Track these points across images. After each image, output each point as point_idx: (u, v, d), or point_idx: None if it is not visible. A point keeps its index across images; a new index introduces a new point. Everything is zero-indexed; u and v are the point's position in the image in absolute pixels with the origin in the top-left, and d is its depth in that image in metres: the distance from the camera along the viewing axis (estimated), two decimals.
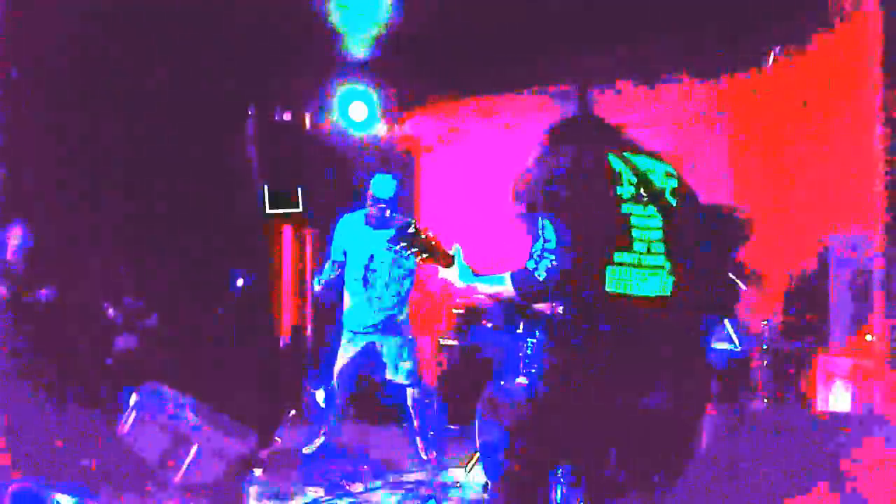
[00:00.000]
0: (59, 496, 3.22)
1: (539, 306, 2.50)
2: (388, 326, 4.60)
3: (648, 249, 2.27)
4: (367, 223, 4.53)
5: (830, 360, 3.74)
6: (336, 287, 4.65)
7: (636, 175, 2.33)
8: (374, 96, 6.03)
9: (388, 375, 4.67)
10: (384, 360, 4.64)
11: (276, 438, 5.04)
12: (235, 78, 5.43)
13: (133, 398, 3.96)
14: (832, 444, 3.27)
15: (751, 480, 3.22)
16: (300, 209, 6.01)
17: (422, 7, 4.66)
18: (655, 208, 2.31)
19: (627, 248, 2.25)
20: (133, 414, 3.90)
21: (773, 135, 4.65)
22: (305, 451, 4.75)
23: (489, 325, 5.39)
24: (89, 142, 4.64)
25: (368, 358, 4.68)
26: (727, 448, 3.08)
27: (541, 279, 2.24)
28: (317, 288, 4.63)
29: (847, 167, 3.81)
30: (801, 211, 4.35)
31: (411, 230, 2.56)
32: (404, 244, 2.55)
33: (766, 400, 3.82)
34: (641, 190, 2.31)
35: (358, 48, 5.23)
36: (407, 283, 4.66)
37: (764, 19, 4.42)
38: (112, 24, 4.44)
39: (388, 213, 4.44)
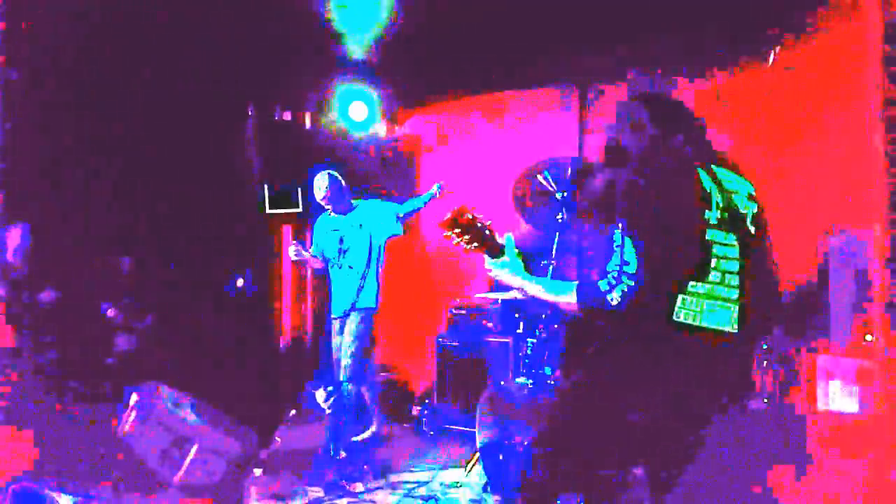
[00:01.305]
0: (59, 496, 3.22)
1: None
2: (348, 312, 4.61)
3: (722, 280, 2.10)
4: (330, 215, 4.74)
5: (830, 360, 3.74)
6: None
7: (723, 197, 2.15)
8: (374, 96, 6.03)
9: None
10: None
11: (276, 438, 5.04)
12: (235, 78, 5.43)
13: (133, 398, 3.97)
14: (831, 443, 3.27)
15: (751, 480, 3.22)
16: (300, 209, 6.01)
17: (422, 7, 4.66)
18: (735, 236, 2.14)
19: (703, 277, 2.08)
20: (133, 414, 3.90)
21: (773, 134, 4.65)
22: (356, 439, 4.75)
23: (488, 324, 5.39)
24: (89, 142, 4.64)
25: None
26: (727, 448, 3.08)
27: (613, 304, 2.03)
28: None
29: (847, 167, 3.81)
30: (800, 211, 4.35)
31: (466, 215, 2.29)
32: (455, 230, 2.29)
33: (766, 400, 3.82)
34: (725, 215, 2.13)
35: (358, 48, 5.23)
36: (370, 271, 4.67)
37: (764, 18, 4.42)
38: (112, 23, 4.44)
39: (331, 210, 4.66)
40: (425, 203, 4.86)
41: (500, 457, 3.91)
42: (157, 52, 4.79)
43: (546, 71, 5.49)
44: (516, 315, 5.20)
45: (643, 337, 2.10)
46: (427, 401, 5.50)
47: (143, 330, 4.81)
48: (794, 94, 4.52)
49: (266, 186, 5.90)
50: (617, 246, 2.06)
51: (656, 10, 4.26)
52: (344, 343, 4.55)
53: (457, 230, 2.29)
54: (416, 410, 5.52)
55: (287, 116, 6.21)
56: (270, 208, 5.94)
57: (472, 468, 4.27)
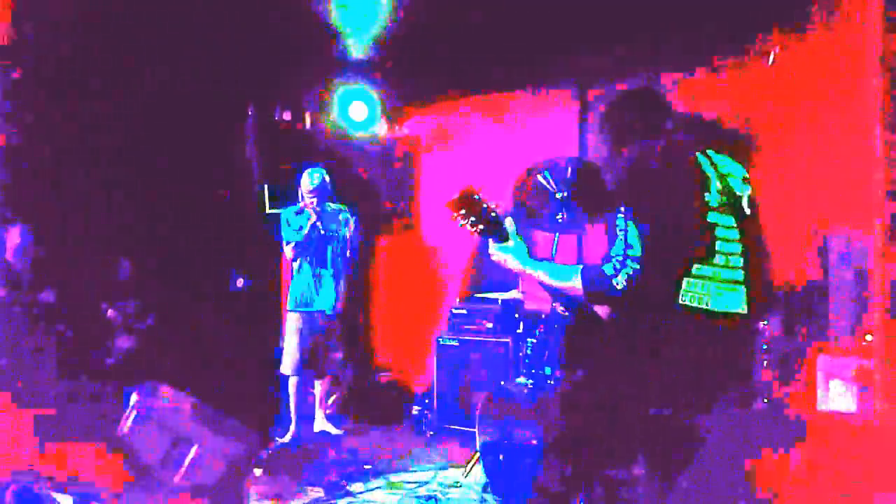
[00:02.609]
0: (59, 496, 3.22)
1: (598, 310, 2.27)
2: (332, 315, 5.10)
3: (727, 263, 2.12)
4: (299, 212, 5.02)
5: (830, 360, 3.74)
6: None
7: (721, 181, 2.17)
8: (374, 96, 6.04)
9: None
10: None
11: (276, 438, 5.04)
12: (235, 78, 5.43)
13: (133, 398, 3.96)
14: (832, 443, 3.27)
15: (750, 480, 3.22)
16: None
17: (422, 7, 4.66)
18: (734, 219, 2.16)
19: (707, 260, 2.09)
20: (133, 414, 3.90)
21: (773, 133, 4.65)
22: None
23: (488, 324, 5.39)
24: (89, 142, 4.63)
25: None
26: (727, 447, 3.07)
27: (619, 287, 2.03)
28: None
29: (847, 166, 3.81)
30: (800, 210, 4.35)
31: (473, 195, 2.29)
32: (462, 210, 2.29)
33: (766, 400, 3.82)
34: (724, 198, 2.16)
35: (358, 48, 5.23)
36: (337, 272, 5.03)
37: (763, 18, 4.42)
38: (112, 23, 4.44)
39: (316, 202, 4.89)
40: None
41: (500, 457, 3.91)
42: (157, 52, 4.79)
43: (546, 71, 5.48)
44: (516, 315, 5.20)
45: (650, 322, 2.09)
46: (427, 401, 5.49)
47: (143, 330, 4.81)
48: (794, 94, 4.52)
49: (266, 186, 5.90)
50: (620, 230, 2.06)
51: (656, 10, 4.27)
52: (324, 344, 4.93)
53: (462, 211, 2.29)
54: (416, 410, 5.52)
55: (287, 116, 6.21)
56: (270, 208, 5.94)
57: (472, 468, 4.27)
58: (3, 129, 4.14)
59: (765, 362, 3.97)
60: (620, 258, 2.04)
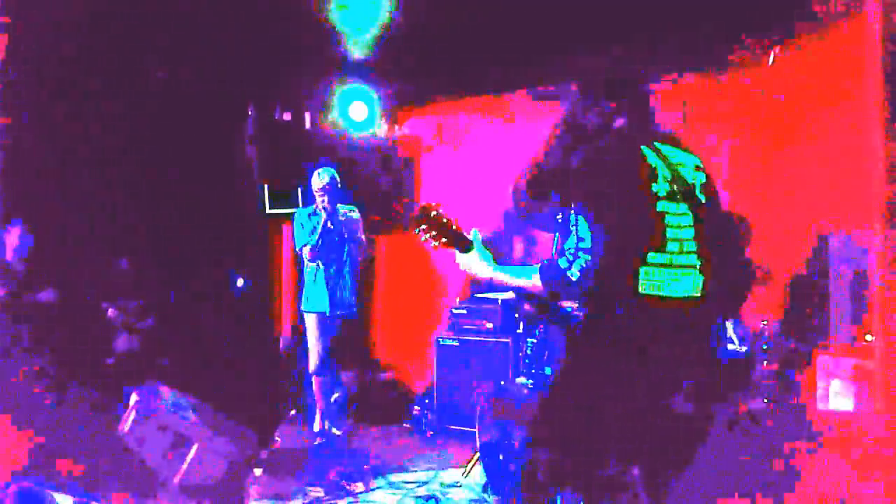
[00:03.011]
0: (58, 496, 3.22)
1: (564, 304, 2.39)
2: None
3: (681, 249, 2.20)
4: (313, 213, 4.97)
5: (830, 360, 3.74)
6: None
7: (670, 170, 2.25)
8: (374, 96, 6.03)
9: None
10: None
11: (276, 438, 5.04)
12: (235, 78, 5.43)
13: (133, 398, 3.97)
14: (831, 443, 3.27)
15: (751, 479, 3.22)
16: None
17: (422, 7, 4.66)
18: (687, 206, 2.24)
19: (661, 247, 2.17)
20: (133, 414, 3.90)
21: (773, 134, 4.65)
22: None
23: (488, 324, 5.39)
24: (89, 142, 4.64)
25: None
26: (727, 448, 3.08)
27: (574, 279, 2.14)
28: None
29: (847, 167, 3.81)
30: (800, 211, 4.35)
31: (432, 212, 2.39)
32: (423, 226, 2.39)
33: (766, 400, 3.82)
34: (674, 187, 2.23)
35: (358, 48, 5.23)
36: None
37: (763, 18, 4.42)
38: (112, 23, 4.44)
39: (326, 200, 4.82)
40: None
41: (500, 457, 3.91)
42: (157, 53, 4.80)
43: (545, 71, 5.48)
44: (516, 315, 5.20)
45: (609, 312, 2.18)
46: (427, 401, 5.50)
47: (143, 330, 4.81)
48: (794, 94, 4.52)
49: (266, 186, 5.90)
50: (572, 225, 2.17)
51: (655, 10, 4.26)
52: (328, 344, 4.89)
53: (423, 226, 2.39)
54: (416, 410, 5.52)
55: (287, 116, 6.21)
56: (270, 208, 5.94)
57: (472, 468, 4.27)
58: (3, 129, 4.14)
59: (765, 362, 3.97)
60: (573, 251, 2.15)
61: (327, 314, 4.88)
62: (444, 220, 2.41)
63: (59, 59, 4.41)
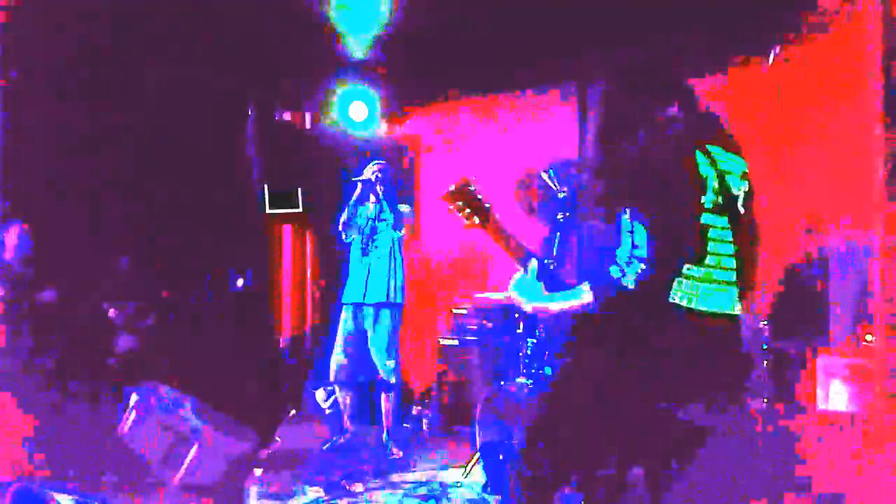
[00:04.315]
0: (59, 496, 3.22)
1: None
2: (381, 305, 4.88)
3: (718, 263, 2.14)
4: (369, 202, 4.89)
5: (830, 360, 3.74)
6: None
7: (718, 179, 2.17)
8: (374, 96, 6.03)
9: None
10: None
11: (276, 438, 5.04)
12: (235, 78, 5.43)
13: (133, 398, 3.96)
14: (831, 443, 3.27)
15: (751, 480, 3.22)
16: (300, 209, 6.01)
17: (422, 7, 4.66)
18: (728, 219, 2.17)
19: (700, 261, 2.11)
20: (133, 414, 3.90)
21: (773, 134, 4.65)
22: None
23: (488, 324, 5.39)
24: (89, 141, 4.64)
25: None
26: (727, 448, 3.07)
27: (630, 288, 2.05)
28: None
29: (847, 167, 3.81)
30: (800, 210, 4.35)
31: (470, 187, 2.33)
32: (459, 201, 2.32)
33: (766, 400, 3.82)
34: (720, 199, 2.16)
35: (358, 48, 5.23)
36: (397, 265, 4.92)
37: (763, 18, 4.42)
38: (112, 23, 4.44)
39: (380, 191, 4.76)
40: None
41: (500, 457, 3.91)
42: (156, 52, 4.79)
43: (546, 71, 5.48)
44: (516, 315, 5.19)
45: (639, 320, 2.11)
46: (427, 401, 5.49)
47: (143, 330, 4.81)
48: (794, 94, 4.52)
49: (266, 186, 5.90)
50: (627, 231, 2.07)
51: (655, 10, 4.27)
52: (378, 339, 4.79)
53: (459, 202, 2.33)
54: (416, 410, 5.52)
55: (287, 116, 6.21)
56: (270, 208, 5.94)
57: (472, 468, 4.27)
58: (3, 129, 4.14)
59: (765, 362, 3.97)
60: (626, 259, 2.06)
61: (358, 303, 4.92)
62: (479, 198, 2.34)
63: (59, 58, 4.41)
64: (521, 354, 4.43)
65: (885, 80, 2.97)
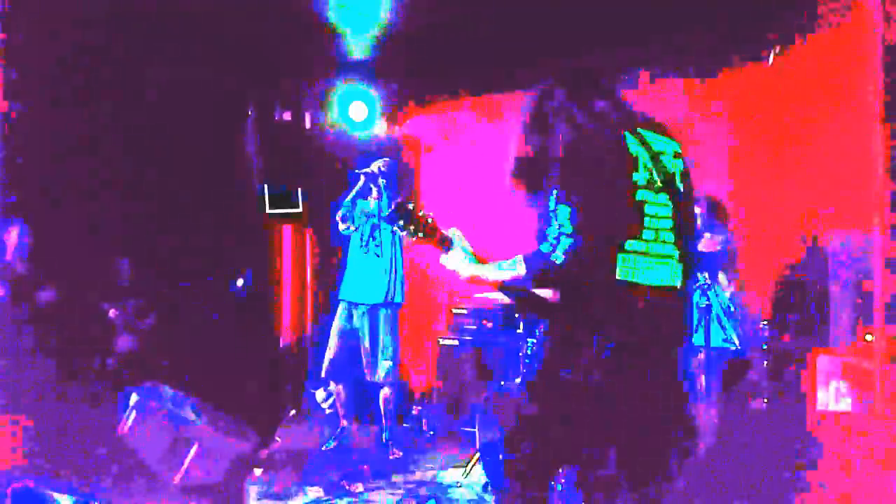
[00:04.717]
0: (58, 496, 3.22)
1: (543, 294, 2.37)
2: (379, 305, 4.84)
3: (657, 237, 2.22)
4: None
5: (830, 360, 3.74)
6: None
7: (651, 158, 2.26)
8: (374, 96, 6.03)
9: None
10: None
11: (276, 438, 5.04)
12: (235, 78, 5.43)
13: (133, 398, 3.96)
14: (831, 443, 3.27)
15: (751, 480, 3.22)
16: (300, 209, 6.01)
17: (422, 7, 4.66)
18: (666, 194, 2.25)
19: (638, 236, 2.20)
20: (133, 414, 3.90)
21: (773, 134, 4.65)
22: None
23: (488, 324, 5.39)
24: (89, 142, 4.64)
25: None
26: (727, 447, 3.08)
27: (558, 262, 2.15)
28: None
29: (847, 167, 3.81)
30: (800, 210, 4.35)
31: (408, 206, 2.40)
32: (400, 221, 2.40)
33: (766, 400, 3.82)
34: (654, 176, 2.25)
35: (358, 48, 5.23)
36: (398, 263, 4.89)
37: (763, 18, 4.42)
38: (112, 23, 4.44)
39: (361, 180, 4.72)
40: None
41: (500, 457, 3.91)
42: (156, 52, 4.79)
43: (546, 72, 5.47)
44: (516, 315, 5.20)
45: (588, 296, 2.20)
46: (427, 401, 5.49)
47: (143, 330, 4.81)
48: (794, 94, 4.52)
49: (266, 186, 5.90)
50: (551, 212, 2.18)
51: (655, 10, 4.27)
52: (374, 339, 4.76)
53: (401, 222, 2.40)
54: (416, 410, 5.52)
55: (287, 116, 6.21)
56: (270, 208, 5.94)
57: (472, 468, 4.27)
58: (3, 129, 4.14)
59: (765, 362, 3.97)
60: (555, 235, 2.17)
61: (354, 302, 4.91)
62: (421, 214, 2.41)
63: (59, 59, 4.41)
64: (521, 354, 4.43)
65: (885, 80, 2.97)
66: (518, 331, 5.08)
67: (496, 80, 5.67)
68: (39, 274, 4.39)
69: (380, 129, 6.32)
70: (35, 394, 3.84)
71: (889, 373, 3.06)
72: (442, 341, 5.40)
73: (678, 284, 2.26)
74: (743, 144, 4.83)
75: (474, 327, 5.36)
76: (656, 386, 2.24)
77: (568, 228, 2.15)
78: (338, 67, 5.65)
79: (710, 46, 4.74)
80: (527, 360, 4.36)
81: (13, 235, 4.38)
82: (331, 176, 5.83)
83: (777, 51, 4.66)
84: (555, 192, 2.19)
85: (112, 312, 4.76)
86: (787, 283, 4.29)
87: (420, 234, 2.41)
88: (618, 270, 2.17)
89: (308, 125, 6.30)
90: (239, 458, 3.93)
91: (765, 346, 4.03)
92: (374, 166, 4.77)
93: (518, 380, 4.22)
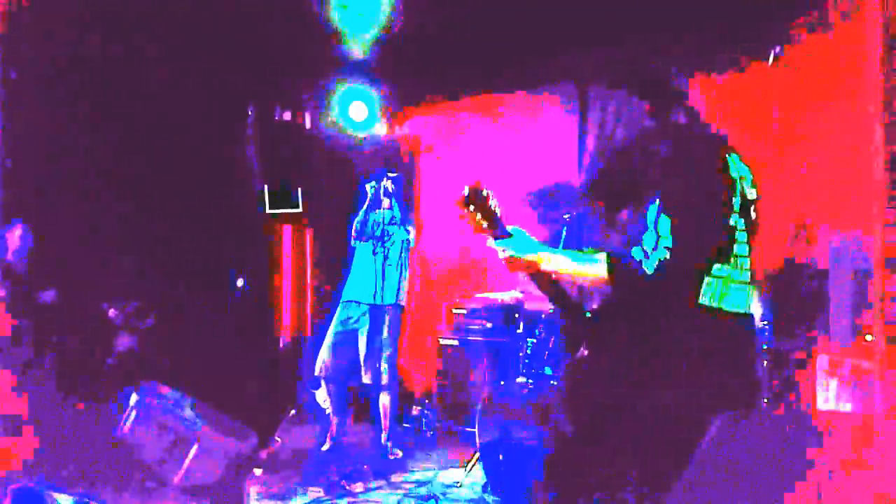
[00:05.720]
0: (58, 496, 3.22)
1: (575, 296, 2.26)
2: (384, 307, 4.87)
3: (737, 264, 2.15)
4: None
5: (830, 360, 3.74)
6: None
7: (742, 184, 2.20)
8: (374, 96, 6.03)
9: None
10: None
11: (276, 438, 5.04)
12: (235, 78, 5.43)
13: (133, 398, 3.97)
14: (831, 443, 3.27)
15: (751, 480, 3.22)
16: (300, 209, 6.01)
17: (422, 7, 4.66)
18: (744, 222, 2.19)
19: (726, 261, 2.12)
20: (133, 414, 3.90)
21: (773, 134, 4.65)
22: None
23: (488, 324, 5.39)
24: (89, 142, 4.64)
25: None
26: (727, 448, 3.07)
27: (649, 272, 2.02)
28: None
29: (847, 167, 3.81)
30: (800, 210, 4.35)
31: (482, 192, 2.25)
32: (471, 206, 2.25)
33: (766, 400, 3.82)
34: (741, 201, 2.18)
35: (358, 48, 5.23)
36: (403, 268, 4.91)
37: (764, 18, 4.42)
38: (112, 23, 4.44)
39: (370, 192, 4.81)
40: None
41: (500, 457, 3.91)
42: (157, 52, 4.80)
43: (546, 71, 5.48)
44: (516, 315, 5.19)
45: (669, 316, 2.09)
46: (427, 401, 5.49)
47: (143, 330, 4.81)
48: (794, 94, 4.52)
49: (266, 186, 5.90)
50: (652, 221, 2.07)
51: (656, 10, 4.27)
52: (373, 342, 4.77)
53: (471, 207, 2.26)
54: (416, 410, 5.52)
55: (287, 116, 6.21)
56: (270, 208, 5.94)
57: (472, 468, 4.27)
58: (3, 129, 4.14)
59: (765, 362, 3.97)
60: (653, 245, 2.05)
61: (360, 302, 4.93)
62: (492, 203, 2.27)
63: (59, 59, 4.41)
64: (521, 354, 4.43)
65: (886, 80, 2.97)
66: (518, 331, 5.08)
67: (495, 80, 5.68)
68: (39, 274, 4.39)
69: (380, 129, 6.32)
70: (35, 394, 3.84)
71: (889, 373, 3.06)
72: (442, 341, 5.40)
73: (750, 311, 2.19)
74: (742, 144, 4.83)
75: (474, 327, 5.36)
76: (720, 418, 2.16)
77: (668, 241, 2.02)
78: (338, 67, 5.65)
79: (710, 46, 4.73)
80: (526, 361, 4.36)
81: (13, 235, 4.38)
82: (330, 176, 5.83)
83: (777, 51, 4.66)
84: (657, 202, 2.07)
85: (112, 312, 4.76)
86: (787, 283, 4.29)
87: (485, 224, 2.26)
88: (703, 294, 2.08)
89: (308, 125, 6.30)
90: (239, 458, 3.93)
91: (765, 346, 4.03)
92: (384, 181, 4.85)
93: (520, 379, 4.21)
